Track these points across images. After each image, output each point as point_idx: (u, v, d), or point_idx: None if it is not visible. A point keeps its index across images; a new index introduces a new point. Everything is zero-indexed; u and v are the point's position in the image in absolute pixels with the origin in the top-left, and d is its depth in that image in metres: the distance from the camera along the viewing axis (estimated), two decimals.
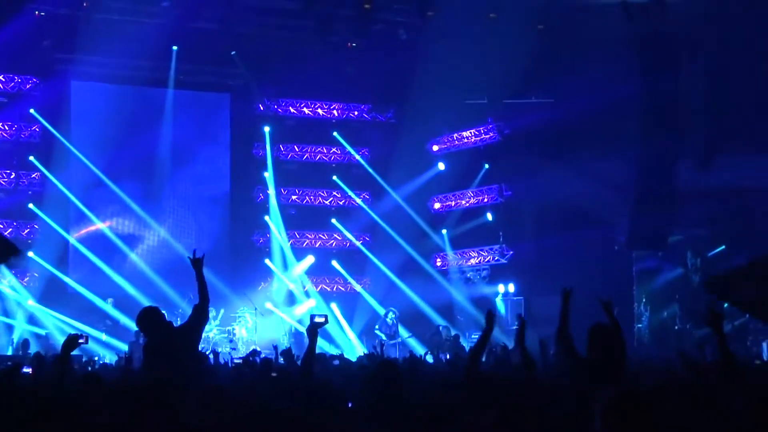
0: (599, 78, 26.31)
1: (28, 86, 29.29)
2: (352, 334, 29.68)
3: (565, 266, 26.56)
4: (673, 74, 26.02)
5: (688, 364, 10.43)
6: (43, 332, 26.93)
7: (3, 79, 29.10)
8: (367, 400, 8.00)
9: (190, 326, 10.67)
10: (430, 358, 19.36)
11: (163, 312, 10.91)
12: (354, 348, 27.80)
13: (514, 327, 25.83)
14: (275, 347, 15.67)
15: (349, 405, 8.50)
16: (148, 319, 10.61)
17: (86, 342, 9.61)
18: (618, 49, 26.34)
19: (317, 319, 9.58)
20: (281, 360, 14.41)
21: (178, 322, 23.89)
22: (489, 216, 31.14)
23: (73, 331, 25.33)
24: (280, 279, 30.95)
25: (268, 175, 31.41)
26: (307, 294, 31.04)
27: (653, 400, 5.45)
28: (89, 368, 17.73)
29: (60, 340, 24.84)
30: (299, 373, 9.51)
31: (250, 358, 14.61)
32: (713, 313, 8.31)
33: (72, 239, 28.77)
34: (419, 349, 25.40)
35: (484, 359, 13.61)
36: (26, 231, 28.72)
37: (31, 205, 28.43)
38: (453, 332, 27.08)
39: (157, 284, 28.24)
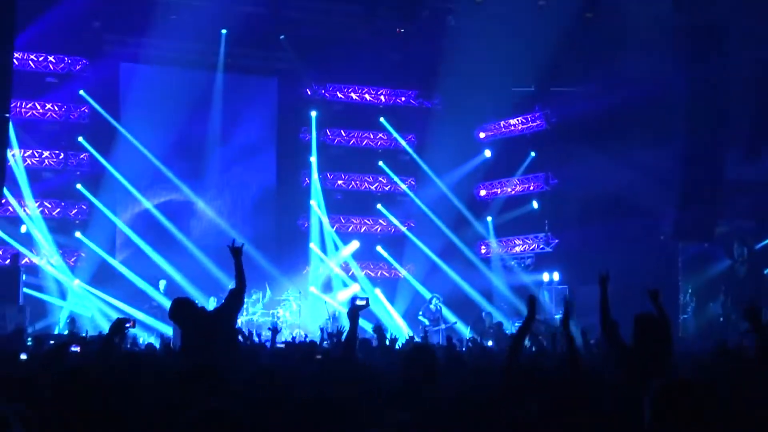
0: (647, 67, 26.22)
1: (77, 67, 29.47)
2: (399, 319, 29.69)
3: (610, 256, 26.37)
4: (721, 64, 25.80)
5: (729, 355, 10.38)
6: (89, 314, 27.15)
7: (53, 60, 29.31)
8: (404, 385, 8.01)
9: (224, 311, 10.79)
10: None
11: (194, 301, 11.04)
12: (401, 331, 27.82)
13: (559, 315, 25.84)
14: (323, 330, 15.72)
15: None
16: (180, 311, 10.74)
17: (133, 326, 9.69)
18: (666, 38, 26.18)
19: (358, 302, 9.63)
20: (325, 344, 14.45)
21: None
22: (534, 204, 31.03)
23: (116, 314, 25.73)
24: (324, 263, 31.05)
25: (314, 159, 31.48)
26: (353, 278, 31.16)
27: (703, 391, 5.43)
28: (134, 349, 17.84)
29: (104, 322, 25.20)
30: (341, 357, 9.55)
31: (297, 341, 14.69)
32: (752, 308, 8.28)
33: (119, 221, 28.96)
34: (465, 334, 25.49)
35: (530, 346, 13.60)
36: (74, 211, 28.96)
37: (79, 186, 28.64)
38: (495, 320, 27.04)
39: (206, 266, 28.33)
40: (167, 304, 26.82)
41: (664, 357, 8.98)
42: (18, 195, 28.06)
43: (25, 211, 28.07)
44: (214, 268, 27.96)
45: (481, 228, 32.06)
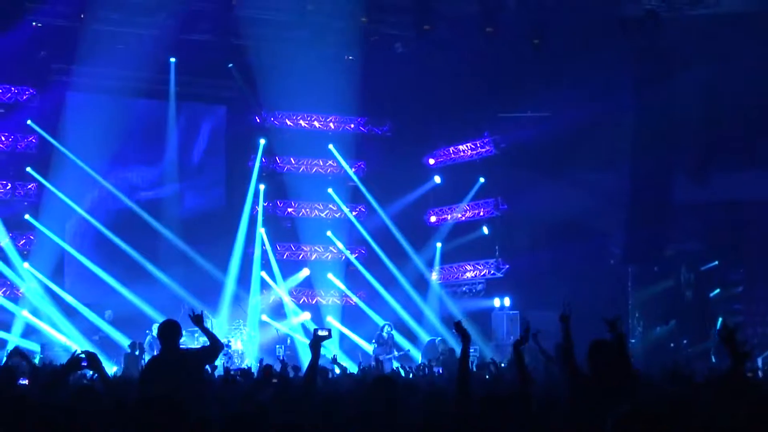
0: (594, 91, 26.42)
1: (24, 97, 29.22)
2: (363, 343, 29.56)
3: (560, 280, 26.58)
4: (668, 88, 26.10)
5: (681, 380, 10.41)
6: (37, 347, 26.75)
7: (0, 90, 29.07)
8: (364, 415, 7.98)
9: (201, 356, 10.79)
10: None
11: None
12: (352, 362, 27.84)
13: (510, 341, 25.87)
14: (280, 358, 15.70)
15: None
16: (170, 331, 10.74)
17: (89, 367, 9.50)
18: (613, 63, 26.42)
19: (320, 333, 9.58)
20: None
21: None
22: (485, 229, 31.07)
23: (61, 344, 25.49)
24: (274, 291, 30.93)
25: (262, 187, 31.37)
26: (305, 306, 31.10)
27: (663, 417, 5.43)
28: (84, 381, 17.61)
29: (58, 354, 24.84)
30: (303, 385, 9.50)
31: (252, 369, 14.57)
32: (726, 329, 8.30)
33: (69, 248, 28.71)
34: (418, 361, 25.49)
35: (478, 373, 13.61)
36: (22, 242, 28.63)
37: (27, 216, 28.37)
38: (449, 345, 27.04)
39: (169, 288, 28.39)
40: (113, 334, 26.86)
41: (623, 383, 8.90)
42: None
43: None
44: (178, 288, 28.13)
45: (433, 253, 32.07)
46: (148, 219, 29.55)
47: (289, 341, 29.05)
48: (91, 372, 18.24)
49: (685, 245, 28.69)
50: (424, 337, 29.47)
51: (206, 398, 10.15)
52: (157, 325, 26.14)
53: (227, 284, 29.87)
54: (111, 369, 21.44)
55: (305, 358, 27.23)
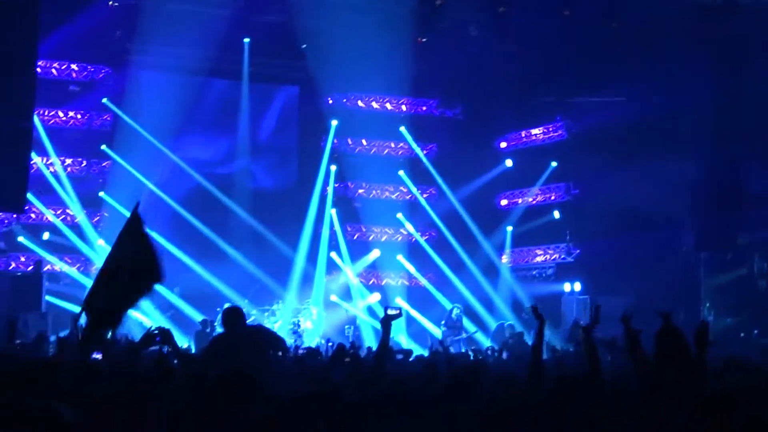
0: (670, 78, 26.16)
1: (100, 76, 29.54)
2: (430, 325, 29.60)
3: (631, 266, 26.44)
4: (745, 76, 25.78)
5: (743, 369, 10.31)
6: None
7: (76, 68, 29.40)
8: (435, 399, 8.00)
9: (266, 338, 10.94)
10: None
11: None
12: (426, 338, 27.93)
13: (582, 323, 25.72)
14: (350, 339, 15.79)
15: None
16: (233, 316, 10.90)
17: (163, 343, 9.60)
18: (690, 50, 26.13)
19: (391, 311, 9.60)
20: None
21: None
22: (556, 214, 30.93)
23: (135, 320, 25.80)
24: (344, 272, 31.07)
25: (333, 168, 31.50)
26: (374, 287, 31.20)
27: (738, 403, 5.40)
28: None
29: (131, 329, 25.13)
30: (374, 365, 9.54)
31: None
32: None
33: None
34: (485, 344, 25.45)
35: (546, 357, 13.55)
36: (96, 219, 28.96)
37: (101, 194, 28.70)
38: (517, 330, 26.99)
39: (242, 266, 28.88)
40: (187, 310, 27.14)
41: (690, 370, 8.82)
42: (51, 201, 28.31)
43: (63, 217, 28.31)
44: (251, 266, 28.57)
45: (503, 237, 31.99)
46: (219, 196, 29.80)
47: (357, 321, 29.19)
48: (165, 348, 18.50)
49: (758, 234, 28.29)
50: (491, 321, 29.40)
51: (276, 377, 10.24)
52: (228, 304, 26.49)
53: (297, 263, 30.08)
54: (184, 345, 21.60)
55: (369, 340, 27.43)
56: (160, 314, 26.63)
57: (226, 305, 26.66)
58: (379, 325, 27.50)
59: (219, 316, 25.79)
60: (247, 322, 26.53)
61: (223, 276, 28.38)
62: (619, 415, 7.32)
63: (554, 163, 31.07)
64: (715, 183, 26.66)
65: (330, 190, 31.43)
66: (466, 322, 28.13)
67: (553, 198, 31.31)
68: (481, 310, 30.10)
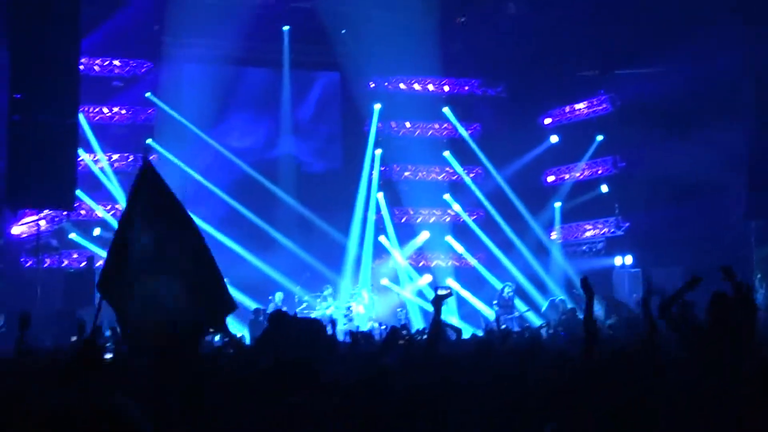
0: (714, 47, 25.88)
1: (142, 70, 29.70)
2: (482, 306, 29.57)
3: (682, 237, 26.25)
4: None
5: None
6: None
7: (119, 64, 29.56)
8: (494, 379, 7.97)
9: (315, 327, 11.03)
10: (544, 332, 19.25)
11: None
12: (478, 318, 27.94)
13: (633, 299, 25.60)
14: (402, 322, 15.81)
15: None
16: (278, 319, 11.00)
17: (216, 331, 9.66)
18: (731, 17, 25.86)
19: (441, 292, 9.60)
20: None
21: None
22: (603, 188, 30.76)
23: None
24: (392, 255, 31.11)
25: (378, 152, 31.52)
26: (425, 269, 31.21)
27: None
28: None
29: None
30: (426, 347, 9.54)
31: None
32: None
33: (192, 217, 29.13)
34: (536, 323, 25.39)
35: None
36: None
37: None
38: (569, 305, 26.91)
39: (292, 252, 29.01)
40: (241, 299, 27.29)
41: (745, 337, 8.74)
42: (100, 197, 28.58)
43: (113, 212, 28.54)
44: (300, 252, 28.77)
45: (551, 213, 31.88)
46: (266, 183, 29.92)
47: (407, 305, 29.25)
48: (217, 338, 18.62)
49: None
50: (540, 299, 29.29)
51: (332, 361, 10.28)
52: (280, 293, 26.61)
53: (349, 248, 30.19)
54: (238, 334, 21.72)
55: (418, 323, 27.43)
56: None
57: (278, 294, 27.09)
58: (429, 307, 27.65)
59: (271, 305, 26.08)
60: (300, 308, 26.84)
61: (273, 263, 28.53)
62: (675, 386, 7.29)
63: (600, 137, 30.88)
64: (763, 151, 26.37)
65: (375, 174, 31.44)
66: (517, 301, 28.08)
67: (600, 172, 31.13)
68: (531, 288, 30.01)
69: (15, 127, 22.55)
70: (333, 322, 22.81)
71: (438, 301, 9.38)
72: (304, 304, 27.67)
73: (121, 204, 28.61)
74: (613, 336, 15.09)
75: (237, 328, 23.39)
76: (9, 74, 23.00)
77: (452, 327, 13.79)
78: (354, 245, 30.46)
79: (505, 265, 30.55)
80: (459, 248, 31.53)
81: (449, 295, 9.82)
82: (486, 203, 31.66)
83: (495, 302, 27.51)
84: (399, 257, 31.02)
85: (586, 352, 8.14)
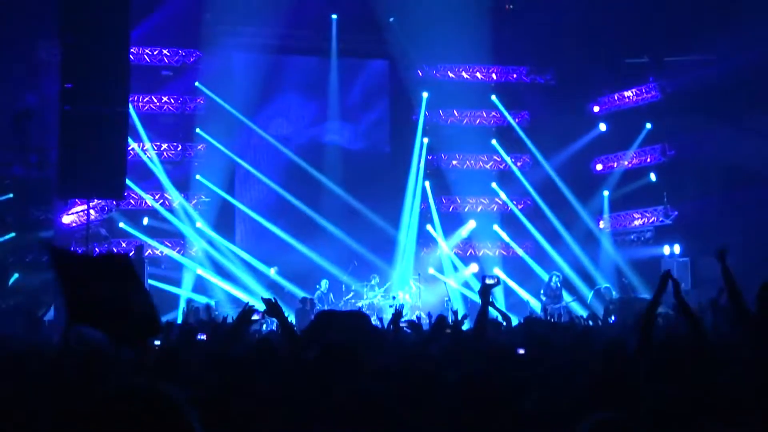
0: (763, 34, 25.62)
1: (191, 59, 29.87)
2: (526, 295, 29.49)
3: (732, 226, 26.00)
4: None
5: None
6: (212, 302, 27.50)
7: (168, 53, 29.77)
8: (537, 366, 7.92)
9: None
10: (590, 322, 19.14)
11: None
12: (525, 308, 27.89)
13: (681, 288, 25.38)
14: (452, 310, 15.78)
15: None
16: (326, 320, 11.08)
17: (262, 317, 9.70)
18: None
19: (488, 281, 9.57)
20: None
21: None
22: (652, 176, 30.54)
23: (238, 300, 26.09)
24: (439, 245, 31.12)
25: (426, 140, 31.51)
26: (472, 258, 31.18)
27: None
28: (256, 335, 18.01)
29: (227, 310, 25.50)
30: (473, 336, 9.53)
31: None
32: None
33: (241, 205, 29.44)
34: (582, 313, 25.27)
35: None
36: (194, 201, 29.31)
37: (198, 176, 29.04)
38: (615, 294, 26.77)
39: (340, 240, 29.41)
40: (288, 287, 27.40)
41: None
42: (149, 186, 28.79)
43: (162, 201, 28.76)
44: (347, 240, 29.02)
45: (600, 202, 31.70)
46: (313, 172, 30.02)
47: (456, 294, 29.24)
48: (264, 324, 18.66)
49: None
50: (585, 289, 29.15)
51: (379, 349, 10.28)
52: (326, 280, 26.71)
53: (400, 239, 30.25)
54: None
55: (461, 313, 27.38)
56: (262, 291, 26.92)
57: (323, 282, 27.19)
58: (474, 296, 27.61)
59: (317, 293, 26.19)
60: (347, 297, 26.91)
61: (321, 251, 28.66)
62: (727, 376, 7.21)
63: (649, 125, 30.65)
64: None
65: (422, 162, 31.43)
66: (564, 292, 27.99)
67: (648, 160, 30.90)
68: (576, 278, 29.82)
69: (66, 116, 22.71)
70: (379, 313, 22.88)
71: (486, 291, 9.35)
72: (351, 293, 27.75)
73: (170, 193, 28.83)
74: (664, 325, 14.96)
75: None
76: (60, 65, 23.19)
77: (503, 314, 13.78)
78: (403, 234, 30.47)
79: (552, 255, 30.44)
80: (506, 237, 31.45)
81: (497, 284, 9.77)
82: (532, 192, 31.56)
83: (542, 292, 27.42)
84: (445, 246, 30.99)
85: (641, 342, 8.04)
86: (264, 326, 22.74)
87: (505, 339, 11.87)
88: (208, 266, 28.60)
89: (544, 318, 19.58)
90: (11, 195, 25.78)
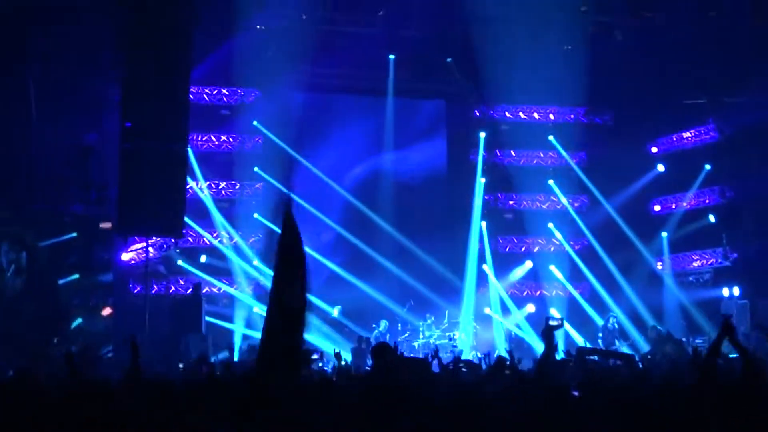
0: None
1: (250, 98, 30.06)
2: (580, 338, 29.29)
3: None
4: None
5: None
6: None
7: (227, 93, 29.99)
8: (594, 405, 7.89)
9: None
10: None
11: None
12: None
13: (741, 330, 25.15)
14: (508, 350, 15.75)
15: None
16: (381, 351, 11.10)
17: (321, 358, 9.78)
18: None
19: (552, 322, 9.54)
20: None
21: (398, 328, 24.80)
22: (711, 218, 30.28)
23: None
24: (495, 284, 30.97)
25: (483, 180, 31.49)
26: (526, 299, 31.03)
27: None
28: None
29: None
30: (535, 378, 9.48)
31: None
32: None
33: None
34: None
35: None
36: (251, 240, 29.40)
37: (256, 215, 29.11)
38: (664, 332, 26.46)
39: (398, 278, 29.33)
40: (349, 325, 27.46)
41: None
42: (207, 224, 29.02)
43: (219, 239, 28.88)
44: (404, 276, 29.07)
45: (658, 243, 31.43)
46: (370, 215, 30.06)
47: (513, 334, 29.06)
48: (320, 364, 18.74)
49: None
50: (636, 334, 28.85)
51: (432, 385, 10.30)
52: (385, 321, 26.77)
53: (455, 277, 30.18)
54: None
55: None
56: (321, 331, 26.96)
57: (383, 322, 27.19)
58: (528, 336, 27.55)
59: (375, 332, 26.21)
60: (403, 336, 26.93)
61: (379, 288, 28.68)
62: None
63: (708, 166, 30.42)
64: None
65: (479, 202, 31.40)
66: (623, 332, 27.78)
67: (707, 202, 30.65)
68: (627, 320, 29.47)
69: (126, 154, 22.98)
70: (437, 351, 22.81)
71: (549, 332, 9.31)
72: (407, 333, 27.71)
73: (228, 231, 28.97)
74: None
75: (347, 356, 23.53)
76: (120, 103, 23.48)
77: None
78: (460, 274, 30.41)
79: (610, 295, 30.18)
80: (561, 278, 31.27)
81: (560, 326, 9.74)
82: (587, 233, 31.37)
83: (600, 335, 27.25)
84: (501, 287, 30.87)
85: (699, 384, 7.95)
86: (320, 364, 22.83)
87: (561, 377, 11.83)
88: (265, 303, 28.54)
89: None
90: (74, 234, 25.96)
